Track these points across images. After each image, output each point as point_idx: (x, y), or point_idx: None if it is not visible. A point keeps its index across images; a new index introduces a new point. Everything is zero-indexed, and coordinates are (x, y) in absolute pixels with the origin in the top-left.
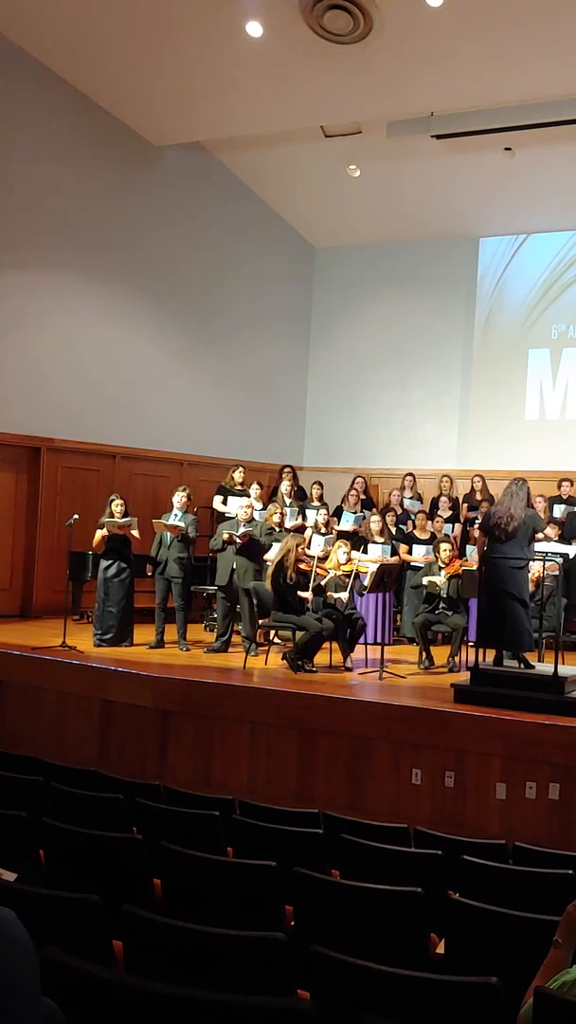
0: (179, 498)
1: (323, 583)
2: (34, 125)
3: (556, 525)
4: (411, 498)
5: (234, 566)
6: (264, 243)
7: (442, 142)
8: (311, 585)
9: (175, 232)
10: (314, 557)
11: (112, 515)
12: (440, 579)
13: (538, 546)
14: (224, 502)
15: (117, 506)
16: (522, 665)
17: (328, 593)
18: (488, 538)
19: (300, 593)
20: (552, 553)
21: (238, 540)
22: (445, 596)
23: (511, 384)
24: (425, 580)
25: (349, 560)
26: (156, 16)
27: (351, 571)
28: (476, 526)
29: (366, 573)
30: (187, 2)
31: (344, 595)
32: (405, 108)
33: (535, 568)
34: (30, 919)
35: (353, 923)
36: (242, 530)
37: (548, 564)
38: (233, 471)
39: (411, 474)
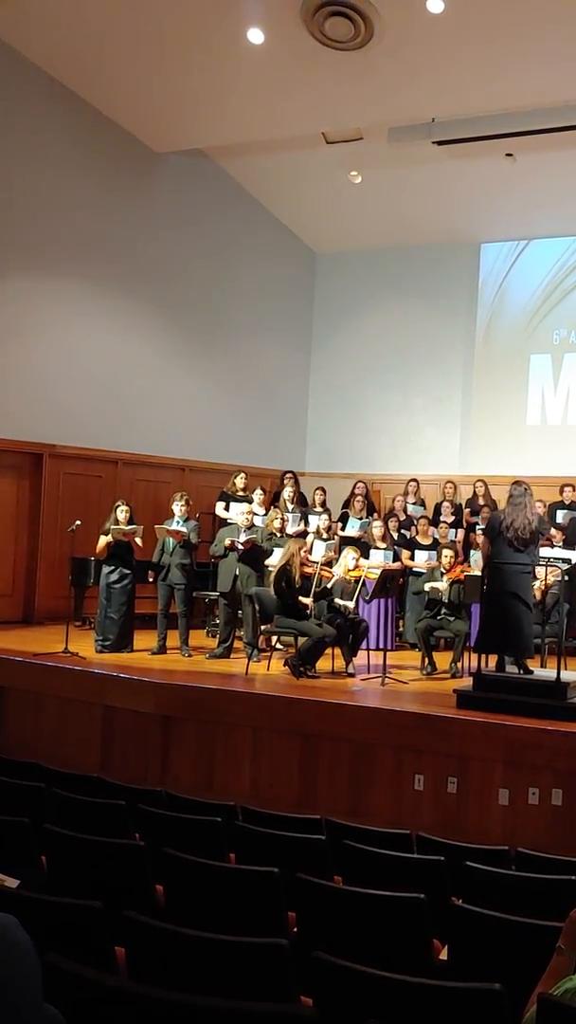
0: (179, 506)
1: (328, 586)
2: (36, 131)
3: (560, 530)
4: (414, 503)
5: (237, 572)
6: (265, 249)
7: (443, 148)
8: (314, 590)
9: (176, 238)
10: (317, 562)
11: (117, 521)
12: (442, 584)
13: (541, 551)
14: (226, 508)
15: (122, 512)
16: (521, 671)
17: (335, 600)
18: (501, 546)
19: (301, 599)
20: (555, 559)
21: (240, 547)
22: (447, 601)
23: (513, 389)
24: (427, 586)
25: (358, 566)
26: (158, 23)
27: (359, 577)
28: (481, 532)
29: (374, 580)
30: (188, 9)
31: (350, 604)
32: (406, 114)
33: (540, 574)
34: (32, 925)
35: (356, 929)
36: (244, 537)
37: (551, 570)
38: (235, 477)
39: (415, 479)
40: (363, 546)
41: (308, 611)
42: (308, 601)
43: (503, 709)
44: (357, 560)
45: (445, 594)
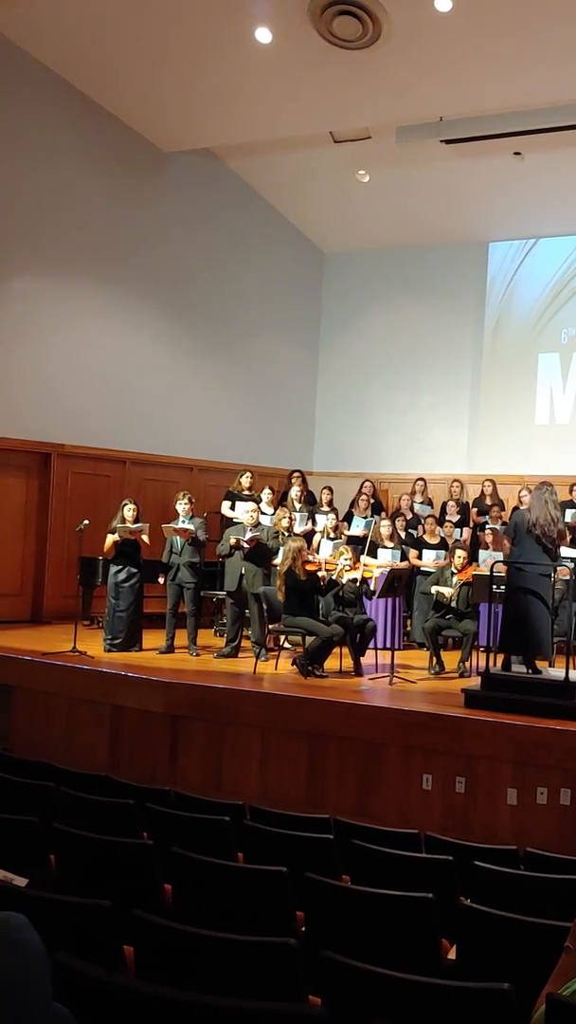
0: (183, 506)
1: (334, 576)
2: (44, 131)
3: (568, 530)
4: (422, 503)
5: (243, 571)
6: (273, 249)
7: (451, 147)
8: (325, 578)
9: (184, 238)
10: (321, 561)
11: (124, 520)
12: (449, 590)
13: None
14: (232, 507)
15: (129, 511)
16: (529, 671)
17: (346, 585)
18: (527, 546)
19: (320, 573)
20: (564, 558)
21: (245, 545)
22: (454, 607)
23: (521, 389)
24: (433, 590)
25: (356, 564)
26: (165, 23)
27: (357, 576)
28: (490, 530)
29: (371, 578)
30: (196, 9)
31: (357, 575)
32: (414, 113)
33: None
34: (41, 924)
35: (364, 929)
36: (249, 535)
37: (559, 568)
38: (240, 476)
39: (422, 479)
40: (369, 545)
41: (323, 587)
42: (323, 574)
43: (512, 709)
44: (352, 560)
45: (452, 598)
